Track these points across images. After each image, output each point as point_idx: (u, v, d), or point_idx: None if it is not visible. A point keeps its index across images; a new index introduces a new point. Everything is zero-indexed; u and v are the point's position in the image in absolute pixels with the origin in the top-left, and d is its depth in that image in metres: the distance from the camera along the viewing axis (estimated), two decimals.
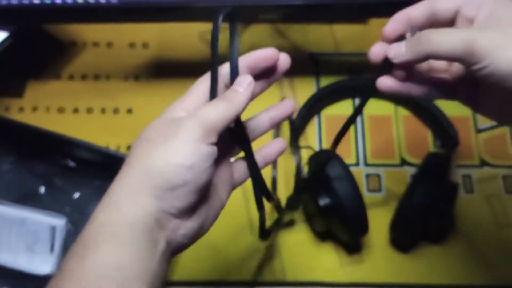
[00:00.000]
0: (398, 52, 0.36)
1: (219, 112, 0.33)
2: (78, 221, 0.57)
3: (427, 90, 0.38)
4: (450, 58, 0.34)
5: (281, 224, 0.58)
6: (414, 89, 0.38)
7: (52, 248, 0.55)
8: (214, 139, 0.33)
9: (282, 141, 0.40)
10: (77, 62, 0.70)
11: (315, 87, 0.67)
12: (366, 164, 0.62)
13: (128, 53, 0.71)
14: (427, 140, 0.63)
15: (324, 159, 0.53)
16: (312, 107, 0.63)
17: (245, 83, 0.35)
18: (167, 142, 0.32)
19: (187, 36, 0.71)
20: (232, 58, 0.36)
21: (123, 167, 0.33)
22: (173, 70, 0.69)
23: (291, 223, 0.58)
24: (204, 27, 0.71)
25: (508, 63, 0.31)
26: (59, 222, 0.55)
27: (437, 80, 0.39)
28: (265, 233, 0.43)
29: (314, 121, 0.65)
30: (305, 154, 0.60)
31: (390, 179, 0.61)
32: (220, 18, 0.35)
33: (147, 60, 0.70)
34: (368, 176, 0.61)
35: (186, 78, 0.69)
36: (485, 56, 0.32)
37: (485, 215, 0.58)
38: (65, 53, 0.71)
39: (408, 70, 0.38)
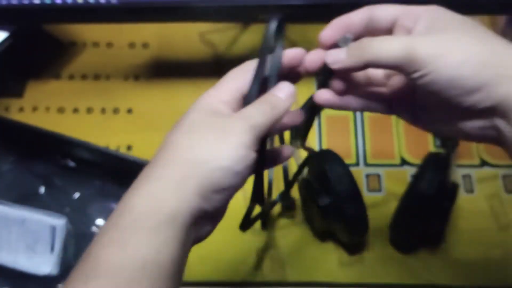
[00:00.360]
0: (337, 57, 0.34)
1: (266, 118, 0.33)
2: (78, 221, 0.57)
3: (365, 104, 0.38)
4: (390, 66, 0.33)
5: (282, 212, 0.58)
6: (352, 103, 0.37)
7: (52, 248, 0.55)
8: (258, 145, 0.33)
9: (290, 149, 0.39)
10: (77, 62, 0.70)
11: (315, 87, 0.67)
12: (366, 164, 0.62)
13: (128, 53, 0.71)
14: (427, 140, 0.63)
15: (324, 159, 0.53)
16: (312, 107, 0.62)
17: (287, 91, 0.34)
18: (217, 142, 0.31)
19: (187, 36, 0.71)
20: (274, 60, 0.34)
21: (160, 155, 0.32)
22: (173, 70, 0.69)
23: (291, 207, 0.58)
24: (204, 27, 0.71)
25: (448, 70, 0.31)
26: (59, 222, 0.55)
27: (374, 94, 0.38)
28: (246, 225, 0.43)
29: (314, 121, 0.65)
30: (305, 154, 0.60)
31: (390, 179, 0.61)
32: (273, 26, 0.33)
33: (147, 60, 0.70)
34: (368, 176, 0.61)
35: (186, 78, 0.70)
36: (426, 63, 0.31)
37: (485, 215, 0.58)
38: (65, 53, 0.71)
39: (345, 81, 0.36)
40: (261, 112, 0.33)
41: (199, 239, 0.34)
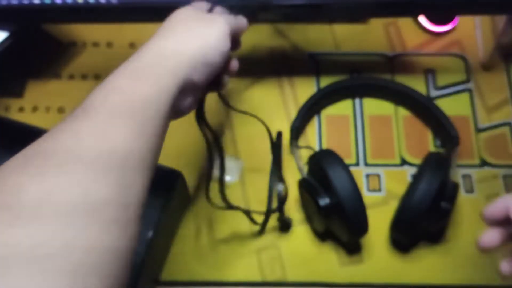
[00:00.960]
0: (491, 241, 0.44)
1: (233, 22, 0.45)
2: None
3: None
4: None
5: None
6: None
7: None
8: (231, 38, 0.43)
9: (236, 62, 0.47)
10: (77, 62, 0.70)
11: (315, 87, 0.67)
12: (366, 164, 0.62)
13: (128, 53, 0.70)
14: (427, 140, 0.63)
15: (324, 159, 0.53)
16: (312, 107, 0.63)
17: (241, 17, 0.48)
18: (207, 28, 0.41)
19: None
20: None
21: (162, 33, 0.41)
22: None
23: (288, 226, 0.58)
24: None
25: None
26: None
27: None
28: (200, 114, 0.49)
29: (314, 121, 0.65)
30: (305, 154, 0.60)
31: (390, 179, 0.61)
32: None
33: None
34: (368, 176, 0.61)
35: None
36: None
37: None
38: (65, 53, 0.71)
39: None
40: (230, 17, 0.45)
41: (181, 111, 0.41)
